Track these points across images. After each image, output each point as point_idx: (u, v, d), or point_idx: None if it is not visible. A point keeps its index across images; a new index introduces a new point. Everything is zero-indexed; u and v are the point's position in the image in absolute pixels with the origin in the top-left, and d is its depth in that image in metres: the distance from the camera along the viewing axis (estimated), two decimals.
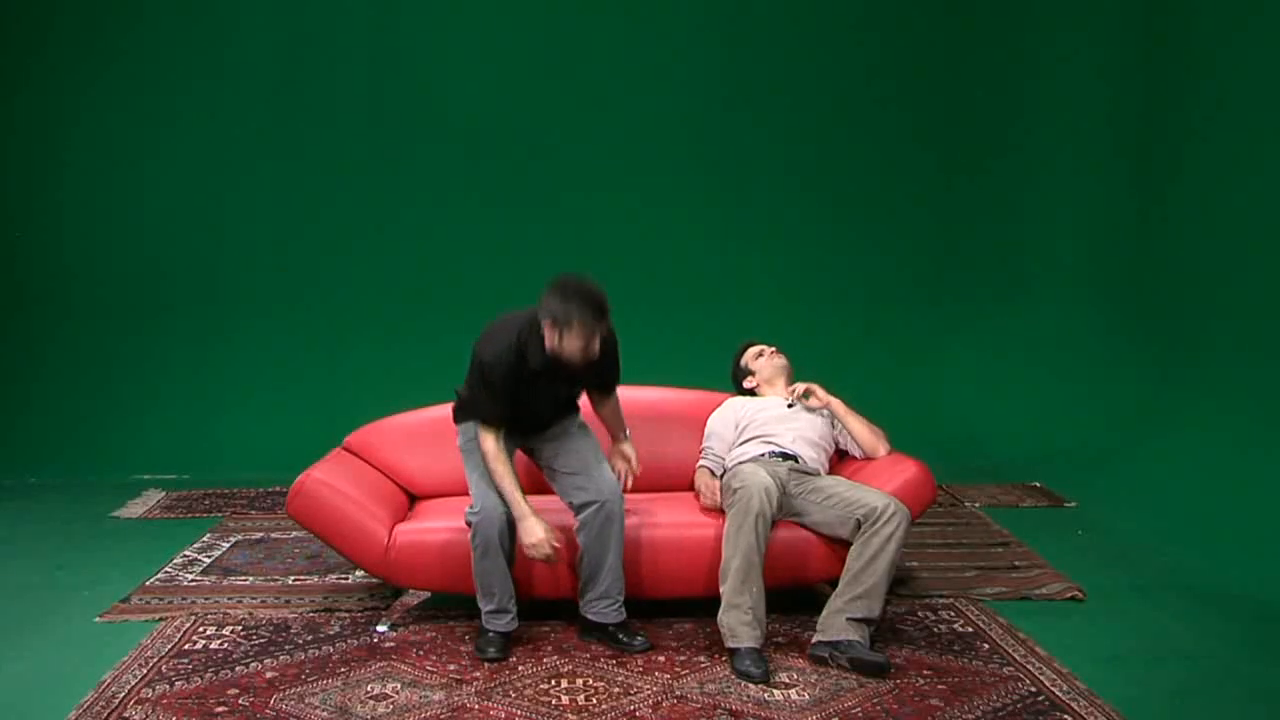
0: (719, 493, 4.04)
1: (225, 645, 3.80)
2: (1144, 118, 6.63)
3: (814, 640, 3.65)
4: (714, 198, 7.32)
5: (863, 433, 4.24)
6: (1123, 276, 6.77)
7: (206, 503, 5.97)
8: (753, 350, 4.52)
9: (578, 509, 3.80)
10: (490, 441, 3.70)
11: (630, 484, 3.94)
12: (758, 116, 7.25)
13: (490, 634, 3.74)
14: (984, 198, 7.32)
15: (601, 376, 3.89)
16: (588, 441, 3.93)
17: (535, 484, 4.05)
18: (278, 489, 5.99)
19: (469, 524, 3.73)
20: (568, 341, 3.57)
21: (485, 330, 3.75)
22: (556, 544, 3.69)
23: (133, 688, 3.43)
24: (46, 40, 6.91)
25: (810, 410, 4.29)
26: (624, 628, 3.80)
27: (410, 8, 7.13)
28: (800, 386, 4.30)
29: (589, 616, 3.81)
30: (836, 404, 4.28)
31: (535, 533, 3.65)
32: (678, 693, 3.41)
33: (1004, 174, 7.29)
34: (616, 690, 3.43)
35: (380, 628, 3.95)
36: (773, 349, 4.49)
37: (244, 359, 7.05)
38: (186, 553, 4.96)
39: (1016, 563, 4.76)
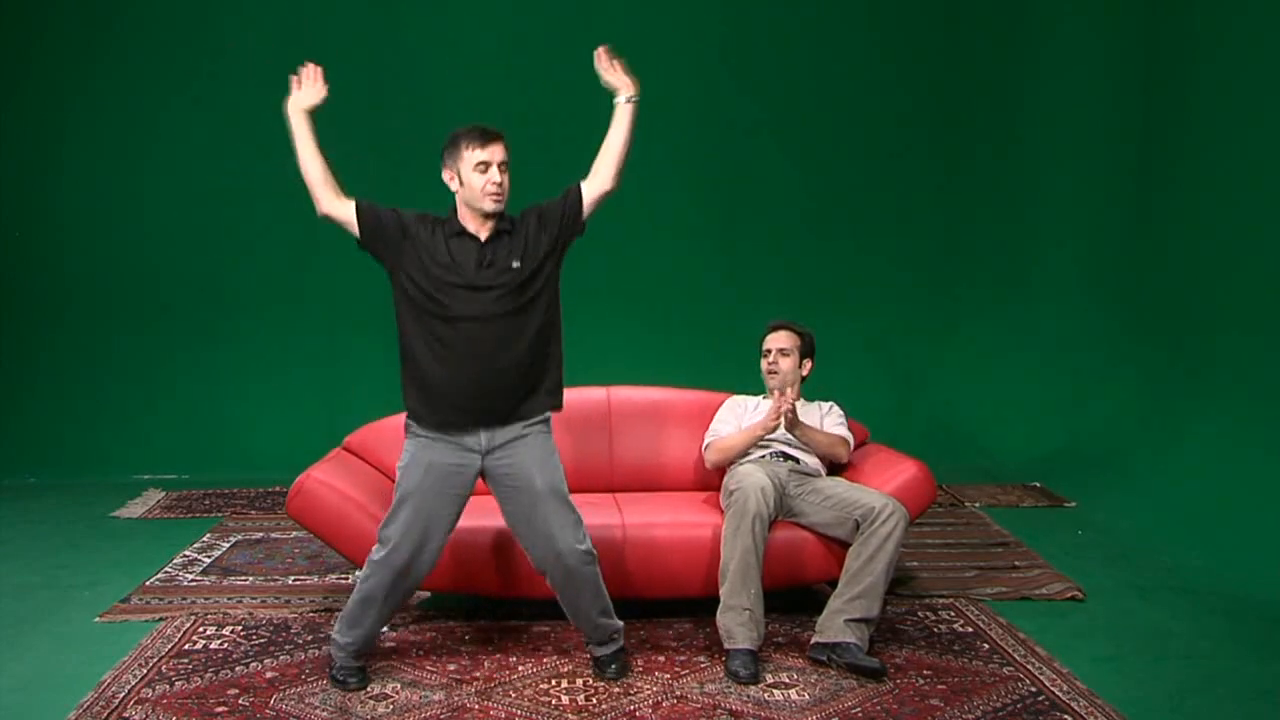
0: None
1: (225, 645, 3.80)
2: (1144, 117, 6.63)
3: (813, 641, 3.65)
4: (714, 197, 7.31)
5: (821, 441, 4.13)
6: (1123, 276, 6.77)
7: (206, 503, 5.98)
8: (769, 342, 4.29)
9: (535, 563, 3.46)
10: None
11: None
12: (758, 116, 7.25)
13: (346, 667, 3.46)
14: (984, 198, 7.31)
15: (552, 210, 3.58)
16: (544, 473, 3.34)
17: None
18: (278, 489, 5.99)
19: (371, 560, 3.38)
20: (467, 153, 3.36)
21: None
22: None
23: (133, 688, 3.43)
24: (45, 40, 6.90)
25: (806, 403, 4.28)
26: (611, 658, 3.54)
27: (411, 7, 7.13)
28: (786, 404, 3.99)
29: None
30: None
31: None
32: (678, 693, 3.41)
33: (1004, 174, 7.29)
34: (616, 690, 3.43)
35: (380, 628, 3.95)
36: (781, 345, 4.24)
37: (244, 359, 7.04)
38: (186, 553, 4.96)
39: (1016, 563, 4.76)
